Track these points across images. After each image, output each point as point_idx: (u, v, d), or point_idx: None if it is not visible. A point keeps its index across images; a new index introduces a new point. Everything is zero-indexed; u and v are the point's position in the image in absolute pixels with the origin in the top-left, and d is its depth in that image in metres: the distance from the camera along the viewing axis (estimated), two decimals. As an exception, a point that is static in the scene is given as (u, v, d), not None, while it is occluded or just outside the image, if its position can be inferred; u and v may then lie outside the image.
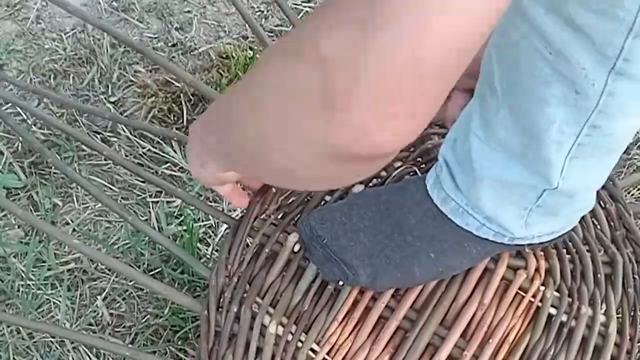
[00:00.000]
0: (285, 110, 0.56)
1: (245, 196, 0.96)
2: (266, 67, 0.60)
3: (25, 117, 1.49)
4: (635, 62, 0.67)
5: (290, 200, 0.99)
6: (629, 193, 1.44)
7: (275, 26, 1.60)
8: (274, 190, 1.00)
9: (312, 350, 0.89)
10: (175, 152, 1.46)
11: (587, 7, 0.64)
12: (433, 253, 0.89)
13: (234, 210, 1.42)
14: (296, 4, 1.62)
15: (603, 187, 1.01)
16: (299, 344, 0.89)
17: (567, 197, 0.84)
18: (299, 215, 0.98)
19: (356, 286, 0.92)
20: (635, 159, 1.49)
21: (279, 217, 0.98)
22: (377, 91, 0.49)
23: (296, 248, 0.95)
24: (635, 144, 1.51)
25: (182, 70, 1.42)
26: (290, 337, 0.90)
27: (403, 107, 0.51)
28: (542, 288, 0.93)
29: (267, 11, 1.61)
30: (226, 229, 1.40)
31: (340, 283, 0.92)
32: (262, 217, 0.99)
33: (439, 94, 0.52)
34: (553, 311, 0.91)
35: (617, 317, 0.92)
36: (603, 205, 1.01)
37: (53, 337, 1.31)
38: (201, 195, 1.43)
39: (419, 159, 1.02)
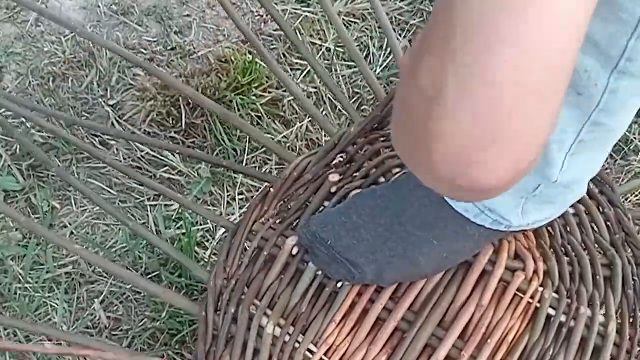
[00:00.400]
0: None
1: None
2: None
3: (23, 120, 1.49)
4: (637, 61, 0.68)
5: (289, 206, 1.00)
6: (626, 199, 1.44)
7: (274, 30, 1.60)
8: (272, 195, 1.00)
9: (309, 350, 0.89)
10: (173, 155, 1.46)
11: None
12: (435, 239, 0.89)
13: (232, 214, 1.42)
14: (295, 8, 1.62)
15: (602, 192, 1.02)
16: (296, 345, 0.90)
17: (564, 188, 0.85)
18: (297, 220, 0.98)
19: (362, 284, 0.92)
20: (633, 165, 1.49)
21: (277, 221, 0.99)
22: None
23: (294, 251, 0.95)
24: (633, 151, 1.51)
25: (182, 82, 1.42)
26: (287, 337, 0.90)
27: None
28: (541, 289, 0.93)
29: (266, 15, 1.62)
30: (224, 232, 1.40)
31: (346, 284, 0.92)
32: (260, 221, 0.99)
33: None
34: (551, 312, 0.92)
35: (617, 320, 0.93)
36: (602, 210, 1.01)
37: (50, 340, 1.31)
38: (199, 199, 1.43)
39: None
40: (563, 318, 0.91)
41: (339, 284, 0.93)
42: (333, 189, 1.00)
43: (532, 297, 0.92)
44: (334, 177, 1.01)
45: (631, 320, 0.93)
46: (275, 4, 1.62)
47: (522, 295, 0.92)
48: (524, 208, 0.88)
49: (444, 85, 0.43)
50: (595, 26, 0.66)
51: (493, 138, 0.44)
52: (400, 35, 1.58)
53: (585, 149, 0.79)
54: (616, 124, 0.77)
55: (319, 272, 0.94)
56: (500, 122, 0.43)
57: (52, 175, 1.45)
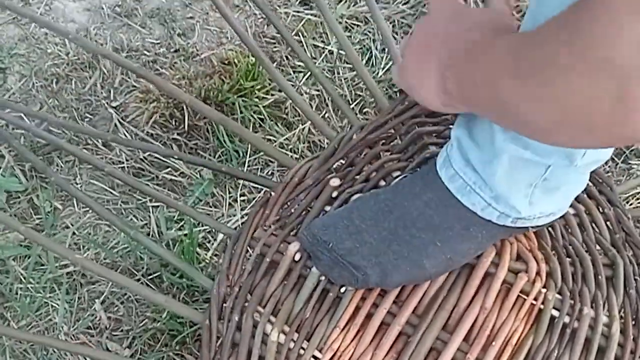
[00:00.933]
0: (570, 103, 0.59)
1: None
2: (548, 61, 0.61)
3: (27, 121, 1.49)
4: None
5: (290, 212, 1.00)
6: (628, 203, 1.45)
7: (277, 33, 1.60)
8: (273, 200, 1.00)
9: (314, 357, 0.89)
10: (173, 157, 1.47)
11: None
12: (439, 242, 0.90)
13: (234, 215, 1.42)
14: (297, 11, 1.62)
15: (601, 192, 1.02)
16: (301, 352, 0.90)
17: (574, 169, 0.86)
18: (299, 226, 0.98)
19: (366, 288, 0.92)
20: (634, 168, 1.49)
21: (279, 227, 0.99)
22: None
23: (297, 257, 0.95)
24: (635, 154, 1.51)
25: (181, 90, 1.42)
26: (292, 344, 0.90)
27: None
28: (544, 290, 0.93)
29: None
30: (225, 235, 1.40)
31: (349, 288, 0.93)
32: (262, 227, 0.99)
33: None
34: (555, 313, 0.92)
35: (620, 319, 0.93)
36: (602, 210, 1.02)
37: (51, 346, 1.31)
38: (201, 201, 1.43)
39: (417, 169, 1.03)
40: (567, 319, 0.92)
41: (342, 289, 0.93)
42: (334, 194, 1.01)
43: (535, 298, 0.93)
44: (334, 181, 1.01)
45: (634, 320, 0.94)
46: (278, 6, 1.62)
47: (525, 297, 0.93)
48: (532, 197, 0.89)
49: None
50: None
51: None
52: (403, 38, 1.58)
53: None
54: None
55: (322, 278, 0.94)
56: None
57: (51, 181, 1.45)
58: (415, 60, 0.84)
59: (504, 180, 0.87)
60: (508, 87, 0.66)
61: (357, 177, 1.02)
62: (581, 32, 0.55)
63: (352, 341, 0.91)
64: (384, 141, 1.07)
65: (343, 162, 1.05)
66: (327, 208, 1.00)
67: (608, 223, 1.01)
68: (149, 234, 1.39)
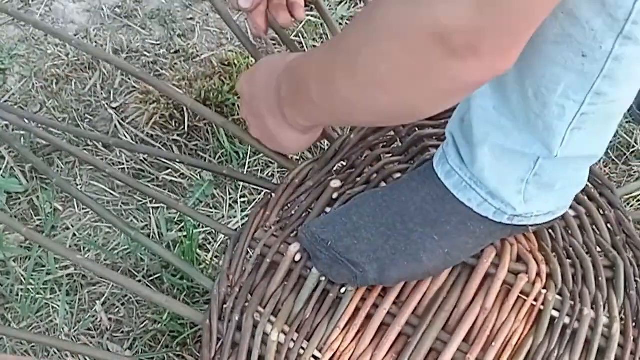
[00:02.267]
0: (402, 58, 0.67)
1: None
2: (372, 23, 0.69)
3: (26, 123, 1.49)
4: None
5: (291, 213, 1.00)
6: (628, 204, 1.45)
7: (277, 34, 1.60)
8: (273, 202, 1.00)
9: (315, 357, 0.90)
10: (173, 160, 1.47)
11: None
12: (437, 236, 0.90)
13: (234, 217, 1.42)
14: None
15: (601, 194, 1.02)
16: (301, 352, 0.90)
17: (564, 165, 0.86)
18: (299, 227, 0.98)
19: (365, 287, 0.92)
20: (634, 169, 1.49)
21: (280, 228, 0.99)
22: (500, 37, 0.62)
23: (297, 258, 0.95)
24: (635, 156, 1.51)
25: (181, 93, 1.42)
26: (292, 344, 0.90)
27: (517, 39, 0.64)
28: (544, 291, 0.93)
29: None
30: (226, 235, 1.40)
31: (350, 289, 0.93)
32: (262, 228, 0.99)
33: (542, 16, 0.63)
34: (555, 314, 0.92)
35: (620, 320, 0.93)
36: (602, 212, 1.02)
37: (52, 348, 1.31)
38: (201, 202, 1.43)
39: (411, 162, 1.04)
40: (567, 320, 0.92)
41: (342, 290, 0.93)
42: (335, 195, 1.01)
43: (535, 299, 0.93)
44: (335, 183, 1.01)
45: (635, 321, 0.94)
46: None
47: (525, 298, 0.93)
48: (525, 194, 0.89)
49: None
50: None
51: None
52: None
53: (588, 123, 0.79)
54: (618, 96, 0.77)
55: (323, 278, 0.94)
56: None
57: (52, 182, 1.45)
58: (259, 127, 1.01)
59: (492, 175, 0.88)
60: (340, 84, 0.75)
61: (358, 178, 1.02)
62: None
63: (352, 341, 0.91)
64: (384, 143, 1.07)
65: (344, 164, 1.05)
66: (328, 209, 1.00)
67: (609, 225, 1.01)
68: (149, 236, 1.39)
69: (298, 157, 1.46)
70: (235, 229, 1.04)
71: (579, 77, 0.75)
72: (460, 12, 0.60)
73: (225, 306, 0.94)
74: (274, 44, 1.60)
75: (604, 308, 0.93)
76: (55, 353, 1.30)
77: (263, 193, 1.42)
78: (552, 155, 0.83)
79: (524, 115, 0.81)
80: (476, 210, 0.90)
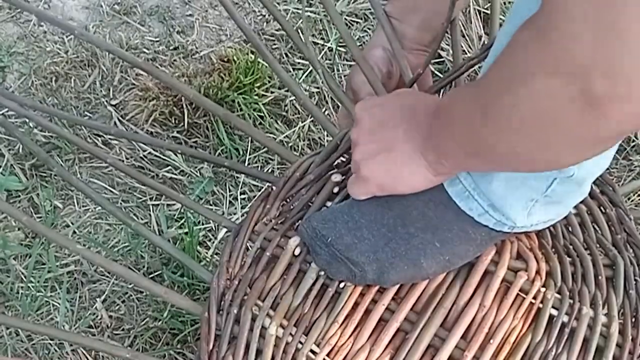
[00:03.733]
0: (543, 127, 0.63)
1: None
2: (510, 95, 0.64)
3: (26, 119, 1.49)
4: None
5: (291, 207, 1.00)
6: (629, 199, 1.45)
7: (277, 30, 1.60)
8: (274, 195, 1.00)
9: (312, 351, 0.89)
10: (176, 155, 1.47)
11: None
12: (438, 242, 0.89)
13: (234, 214, 1.42)
14: (297, 8, 1.62)
15: (603, 192, 1.02)
16: (299, 346, 0.90)
17: (577, 186, 0.85)
18: (299, 221, 0.98)
19: (364, 285, 0.92)
20: (635, 164, 1.49)
21: (280, 222, 0.99)
22: (636, 85, 0.56)
23: (297, 252, 0.95)
24: (636, 151, 1.51)
25: (184, 84, 1.42)
26: (290, 338, 0.90)
27: None
28: (543, 289, 0.93)
29: (269, 15, 1.62)
30: (226, 232, 1.40)
31: (348, 284, 0.92)
32: (263, 221, 0.99)
33: None
34: (554, 312, 0.92)
35: (619, 320, 0.93)
36: (603, 211, 1.01)
37: (52, 340, 1.31)
38: (201, 199, 1.43)
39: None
40: (566, 318, 0.91)
41: (341, 285, 0.93)
42: (335, 190, 1.00)
43: (534, 297, 0.93)
44: (336, 177, 1.01)
45: (634, 320, 0.93)
46: (277, 4, 1.62)
47: (524, 296, 0.92)
48: (531, 210, 0.89)
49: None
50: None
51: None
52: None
53: None
54: None
55: (322, 273, 0.94)
56: None
57: (55, 175, 1.45)
58: (376, 161, 0.88)
59: (500, 193, 0.87)
60: (483, 133, 0.70)
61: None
62: (540, 44, 0.58)
63: (350, 336, 0.90)
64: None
65: (345, 158, 1.04)
66: (329, 204, 1.00)
67: (609, 223, 1.00)
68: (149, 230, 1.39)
69: (298, 154, 1.46)
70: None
71: None
72: (596, 49, 0.55)
73: (224, 299, 0.94)
74: (273, 41, 1.60)
75: (603, 307, 0.93)
76: (55, 351, 1.30)
77: (263, 189, 1.42)
78: (568, 177, 0.83)
79: None
80: (477, 220, 0.90)
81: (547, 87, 0.59)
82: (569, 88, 0.57)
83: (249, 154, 1.47)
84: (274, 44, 1.59)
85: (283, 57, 1.58)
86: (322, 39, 1.60)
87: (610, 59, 0.54)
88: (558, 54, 0.57)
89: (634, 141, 1.51)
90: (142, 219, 1.41)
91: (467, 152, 0.77)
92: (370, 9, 1.62)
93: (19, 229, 1.41)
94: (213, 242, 1.39)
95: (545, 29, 0.57)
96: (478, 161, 0.79)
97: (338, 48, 1.58)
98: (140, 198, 1.44)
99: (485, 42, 1.51)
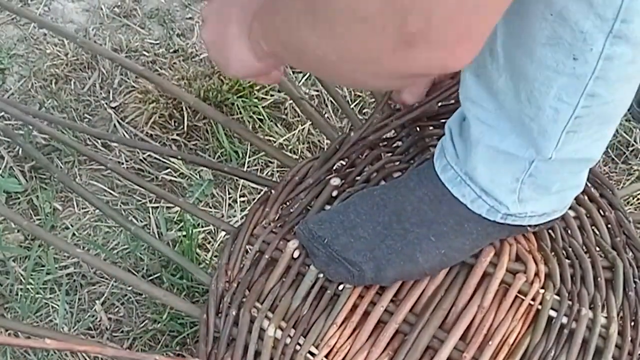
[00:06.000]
0: (353, 32, 0.62)
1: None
2: None
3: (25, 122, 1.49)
4: (632, 23, 0.67)
5: (290, 210, 1.00)
6: (628, 202, 1.45)
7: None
8: (273, 198, 1.00)
9: (311, 353, 0.89)
10: (175, 158, 1.47)
11: None
12: (433, 237, 0.90)
13: (234, 216, 1.42)
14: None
15: (602, 195, 1.02)
16: (297, 347, 0.90)
17: (560, 166, 0.85)
18: (298, 224, 0.98)
19: (362, 286, 0.92)
20: (634, 168, 1.49)
21: (279, 225, 0.99)
22: (447, 30, 0.58)
23: (295, 254, 0.95)
24: (635, 155, 1.51)
25: (183, 91, 1.42)
26: (288, 340, 0.90)
27: (467, 34, 0.60)
28: (542, 291, 0.93)
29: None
30: (225, 235, 1.40)
31: (347, 286, 0.92)
32: (262, 224, 0.99)
33: (495, 15, 0.60)
34: (553, 313, 0.92)
35: (619, 322, 0.93)
36: (603, 214, 1.01)
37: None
38: (201, 201, 1.43)
39: (411, 161, 1.03)
40: (564, 320, 0.91)
41: (340, 287, 0.93)
42: (334, 193, 1.01)
43: (533, 299, 0.92)
44: (335, 181, 1.01)
45: (633, 322, 0.93)
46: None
47: (523, 298, 0.92)
48: (520, 194, 0.89)
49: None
50: None
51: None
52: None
53: (583, 127, 0.79)
54: (612, 97, 0.76)
55: (321, 275, 0.94)
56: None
57: (54, 177, 1.45)
58: (217, 30, 0.88)
59: (485, 174, 0.87)
60: (301, 27, 0.69)
61: (358, 177, 1.02)
62: None
63: (348, 338, 0.90)
64: (385, 142, 1.07)
65: (344, 162, 1.05)
66: (327, 207, 1.00)
67: (609, 226, 1.00)
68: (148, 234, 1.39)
69: (298, 157, 1.47)
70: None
71: (571, 79, 0.74)
72: None
73: (222, 301, 0.94)
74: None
75: (602, 309, 0.93)
76: (54, 353, 1.30)
77: (262, 192, 1.42)
78: (547, 158, 0.83)
79: (518, 118, 0.81)
80: (470, 207, 0.90)
81: (370, 8, 0.60)
82: (387, 19, 0.59)
83: (249, 157, 1.47)
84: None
85: (283, 60, 1.58)
86: None
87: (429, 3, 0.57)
88: None
89: (632, 145, 1.51)
90: (141, 222, 1.42)
91: (281, 40, 0.77)
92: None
93: (18, 231, 1.41)
94: (212, 245, 1.39)
95: None
96: (288, 53, 0.79)
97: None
98: (140, 200, 1.44)
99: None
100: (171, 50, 1.59)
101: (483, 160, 0.87)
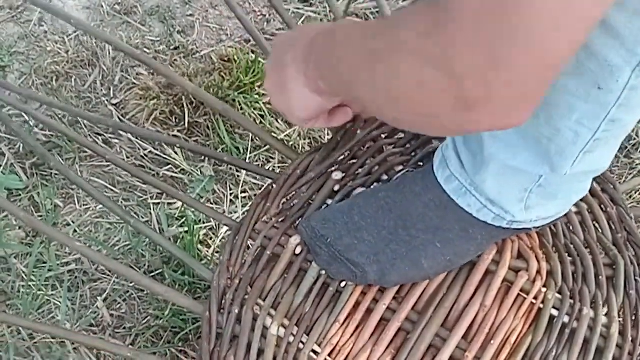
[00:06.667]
0: (409, 96, 0.63)
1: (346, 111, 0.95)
2: (395, 53, 0.64)
3: (27, 118, 1.49)
4: None
5: (292, 205, 1.00)
6: (630, 197, 1.45)
7: (277, 30, 1.60)
8: (274, 192, 1.00)
9: (314, 351, 0.89)
10: (176, 154, 1.47)
11: (621, 7, 0.66)
12: (439, 243, 0.89)
13: (235, 212, 1.42)
14: (298, 8, 1.62)
15: (604, 191, 1.02)
16: (301, 346, 0.90)
17: (570, 177, 0.85)
18: (300, 219, 0.98)
19: (365, 285, 0.92)
20: (636, 162, 1.49)
21: (280, 220, 0.98)
22: (506, 95, 0.58)
23: (298, 250, 0.95)
24: (637, 149, 1.51)
25: (184, 79, 1.42)
26: (291, 338, 0.90)
27: (525, 97, 0.59)
28: (544, 290, 0.93)
29: (269, 15, 1.62)
30: (227, 230, 1.40)
31: (350, 283, 0.92)
32: (263, 219, 0.99)
33: (553, 73, 0.59)
34: (555, 312, 0.92)
35: (619, 320, 0.93)
36: (604, 209, 1.01)
37: (54, 338, 1.31)
38: (202, 197, 1.43)
39: (420, 163, 1.03)
40: (566, 319, 0.91)
41: (342, 284, 0.93)
42: (336, 187, 1.00)
43: (535, 297, 0.92)
44: (337, 175, 1.01)
45: (634, 321, 0.93)
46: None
47: (525, 296, 0.92)
48: (527, 202, 0.89)
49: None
50: (623, 19, 0.66)
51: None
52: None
53: (599, 147, 0.80)
54: (631, 120, 0.77)
55: (323, 272, 0.93)
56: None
57: (56, 174, 1.45)
58: (276, 76, 0.89)
59: (494, 187, 0.87)
60: (360, 71, 0.70)
61: (360, 170, 1.02)
62: (435, 27, 0.59)
63: (351, 336, 0.90)
64: (387, 135, 1.06)
65: (346, 155, 1.04)
66: (329, 201, 0.99)
67: (610, 222, 1.00)
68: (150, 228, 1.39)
69: (299, 152, 1.46)
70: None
71: (595, 107, 0.75)
72: (476, 60, 0.57)
73: (225, 298, 0.94)
74: (273, 40, 1.60)
75: (603, 307, 0.93)
76: (57, 350, 1.30)
77: (264, 187, 1.42)
78: (561, 175, 0.83)
79: (534, 137, 0.81)
80: (475, 216, 0.90)
81: (427, 75, 0.61)
82: (443, 84, 0.59)
83: (250, 153, 1.47)
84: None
85: (283, 56, 1.58)
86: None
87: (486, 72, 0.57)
88: (446, 51, 0.58)
89: (634, 139, 1.51)
90: (142, 218, 1.42)
91: (340, 81, 0.78)
92: (370, 9, 1.62)
93: (19, 228, 1.41)
94: (214, 241, 1.39)
95: (439, 21, 0.59)
96: (348, 94, 0.81)
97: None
98: (141, 197, 1.44)
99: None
100: (172, 47, 1.59)
101: (493, 174, 0.86)
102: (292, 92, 0.87)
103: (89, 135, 1.49)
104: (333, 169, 1.02)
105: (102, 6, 1.64)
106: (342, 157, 1.04)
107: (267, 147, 1.47)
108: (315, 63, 0.82)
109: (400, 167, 1.01)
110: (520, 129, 0.82)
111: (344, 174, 1.01)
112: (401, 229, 0.90)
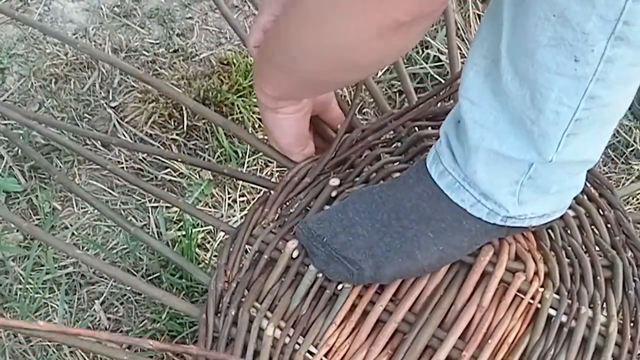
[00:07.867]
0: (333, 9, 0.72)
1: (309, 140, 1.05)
2: None
3: (26, 120, 1.49)
4: (635, 26, 0.67)
5: (290, 211, 1.00)
6: (628, 203, 1.45)
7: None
8: (272, 199, 1.00)
9: (310, 352, 0.89)
10: (175, 160, 1.47)
11: None
12: (432, 233, 0.90)
13: (233, 216, 1.42)
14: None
15: (601, 195, 1.02)
16: (296, 347, 0.90)
17: (559, 169, 0.85)
18: (297, 224, 0.98)
19: (361, 284, 0.92)
20: (634, 168, 1.49)
21: (278, 225, 0.99)
22: None
23: (295, 254, 0.95)
24: (635, 155, 1.51)
25: (185, 95, 1.42)
26: (287, 340, 0.90)
27: None
28: (541, 290, 0.93)
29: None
30: (225, 235, 1.40)
31: (346, 286, 0.92)
32: (261, 225, 0.99)
33: None
34: (552, 312, 0.92)
35: (618, 320, 0.93)
36: (602, 213, 1.01)
37: (50, 342, 1.31)
38: (200, 201, 1.43)
39: (411, 162, 1.03)
40: (564, 318, 0.91)
41: (339, 287, 0.93)
42: (334, 194, 1.01)
43: (532, 298, 0.93)
44: (334, 181, 1.01)
45: (632, 320, 0.93)
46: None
47: (522, 296, 0.92)
48: (520, 196, 0.89)
49: None
50: None
51: None
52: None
53: (582, 129, 0.79)
54: (612, 99, 0.77)
55: (320, 275, 0.94)
56: None
57: (54, 178, 1.45)
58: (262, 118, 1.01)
59: (485, 178, 0.87)
60: (297, 29, 0.80)
61: (357, 177, 1.02)
62: None
63: (347, 337, 0.91)
64: (384, 143, 1.07)
65: (343, 162, 1.05)
66: (327, 207, 1.00)
67: (608, 225, 1.00)
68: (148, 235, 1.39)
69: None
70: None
71: (572, 81, 0.74)
72: None
73: (222, 301, 0.94)
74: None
75: (602, 307, 0.93)
76: (54, 353, 1.30)
77: (262, 192, 1.42)
78: (547, 161, 0.83)
79: (520, 120, 0.81)
80: (469, 211, 0.90)
81: None
82: None
83: (249, 156, 1.47)
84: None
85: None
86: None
87: None
88: None
89: (632, 145, 1.51)
90: (141, 221, 1.42)
91: (277, 64, 0.86)
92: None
93: (17, 231, 1.41)
94: (212, 245, 1.39)
95: None
96: (284, 73, 0.88)
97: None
98: (140, 200, 1.44)
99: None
100: (171, 50, 1.59)
101: (482, 163, 0.87)
102: (267, 123, 0.99)
103: (88, 138, 1.49)
104: (330, 175, 1.02)
105: (102, 9, 1.64)
106: (340, 164, 1.05)
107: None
108: (267, 64, 0.90)
109: (397, 174, 1.02)
110: (506, 111, 0.82)
111: (341, 181, 1.02)
112: (394, 220, 0.91)
